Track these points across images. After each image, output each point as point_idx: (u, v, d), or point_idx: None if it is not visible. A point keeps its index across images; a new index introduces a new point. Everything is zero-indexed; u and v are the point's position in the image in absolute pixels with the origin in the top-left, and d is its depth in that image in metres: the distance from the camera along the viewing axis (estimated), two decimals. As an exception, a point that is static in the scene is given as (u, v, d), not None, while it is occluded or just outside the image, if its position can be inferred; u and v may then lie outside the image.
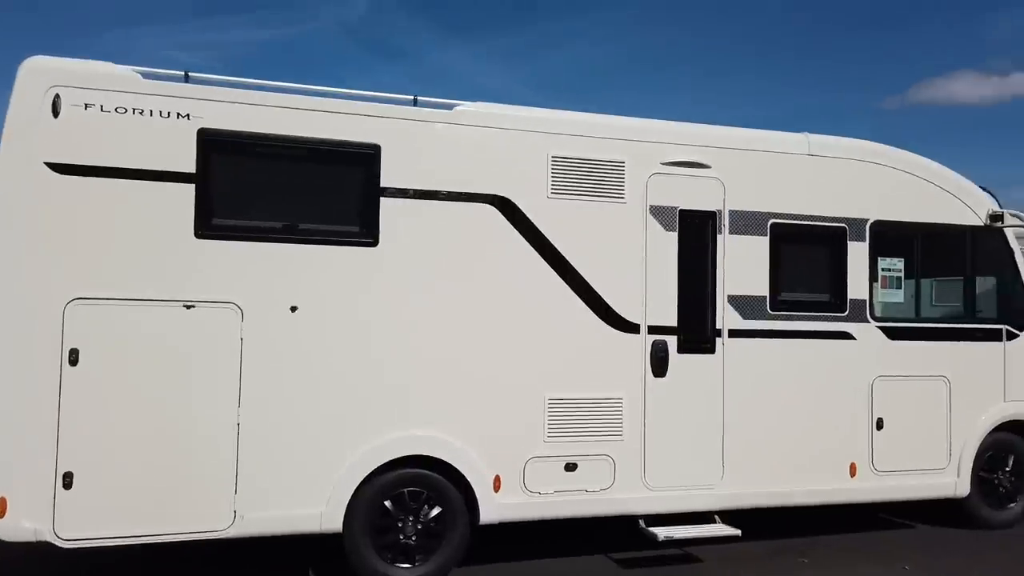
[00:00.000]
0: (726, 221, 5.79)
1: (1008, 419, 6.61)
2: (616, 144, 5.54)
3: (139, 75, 4.54)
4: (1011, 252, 6.76)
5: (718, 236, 5.78)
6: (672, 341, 5.61)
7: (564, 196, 5.39)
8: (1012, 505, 6.75)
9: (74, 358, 4.33)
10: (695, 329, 5.69)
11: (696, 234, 5.73)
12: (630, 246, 5.55)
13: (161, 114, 4.53)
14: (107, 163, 4.44)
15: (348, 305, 4.88)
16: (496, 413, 5.17)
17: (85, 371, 4.35)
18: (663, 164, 5.65)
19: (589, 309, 5.43)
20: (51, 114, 4.34)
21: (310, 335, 4.79)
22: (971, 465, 6.45)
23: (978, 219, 6.59)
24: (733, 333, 5.78)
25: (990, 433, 6.54)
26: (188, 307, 4.56)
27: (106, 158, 4.44)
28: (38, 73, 4.36)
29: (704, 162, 5.75)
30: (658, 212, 5.62)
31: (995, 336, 6.60)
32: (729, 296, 5.78)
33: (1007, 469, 6.71)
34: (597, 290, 5.44)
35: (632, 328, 5.52)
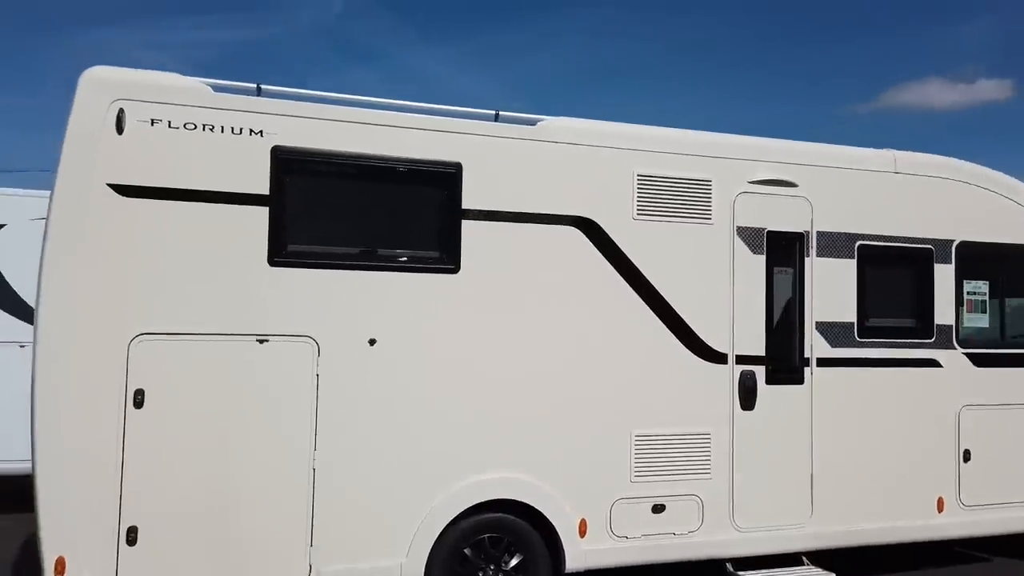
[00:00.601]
0: (814, 243, 5.47)
1: None
2: (702, 162, 5.21)
3: (210, 88, 4.15)
4: None
5: (806, 259, 5.46)
6: (760, 371, 5.28)
7: (650, 217, 5.05)
8: (1092, 537, 6.46)
9: (139, 399, 3.93)
10: (784, 358, 5.36)
11: (784, 257, 5.41)
12: (717, 270, 5.22)
13: (233, 131, 4.14)
14: (175, 184, 4.05)
15: (428, 337, 4.51)
16: (582, 451, 4.81)
17: (151, 414, 3.95)
18: (750, 183, 5.32)
19: (676, 338, 5.08)
20: (115, 131, 3.94)
21: (390, 370, 4.41)
22: None
23: None
24: (821, 362, 5.45)
25: (1073, 463, 6.26)
26: (261, 341, 4.17)
27: (174, 179, 4.05)
28: (101, 85, 3.96)
29: (792, 180, 5.43)
30: (745, 234, 5.29)
31: (1078, 361, 6.31)
32: (817, 323, 5.46)
33: None
34: (684, 318, 5.10)
35: (720, 358, 5.18)
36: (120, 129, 3.94)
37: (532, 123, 4.84)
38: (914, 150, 5.97)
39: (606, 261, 4.94)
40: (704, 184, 5.19)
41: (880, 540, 5.59)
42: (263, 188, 4.20)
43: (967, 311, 6.00)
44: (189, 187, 4.07)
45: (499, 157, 4.70)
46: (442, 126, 4.61)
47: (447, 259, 4.57)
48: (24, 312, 7.24)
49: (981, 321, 6.06)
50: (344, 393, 4.31)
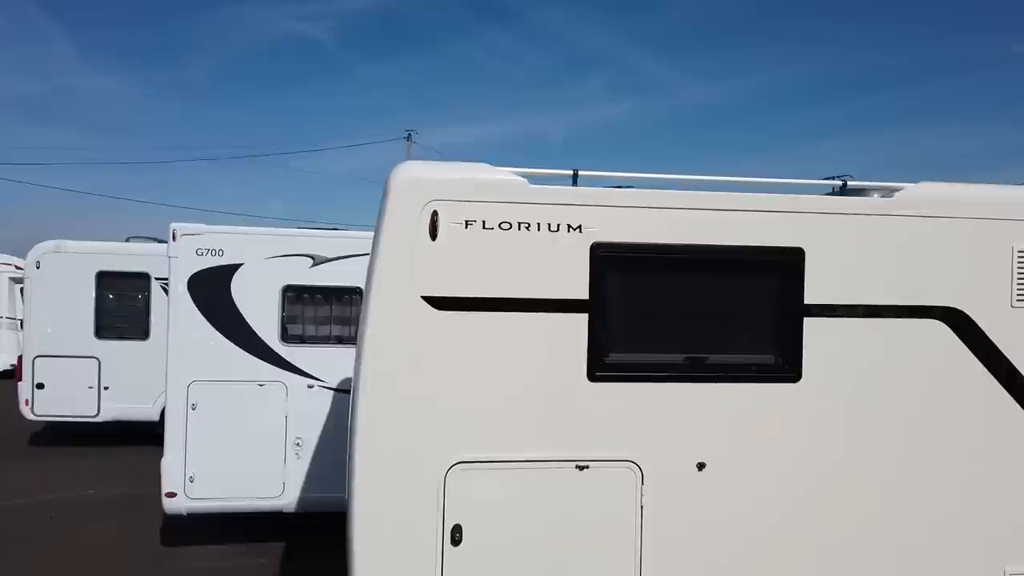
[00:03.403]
0: None
1: None
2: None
3: (527, 181, 3.63)
4: None
5: None
6: None
7: (1032, 303, 4.00)
8: None
9: (457, 536, 3.55)
10: None
11: None
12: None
13: (550, 228, 3.61)
14: (490, 293, 3.59)
15: (762, 460, 3.80)
16: (945, 596, 3.93)
17: (468, 553, 3.56)
18: None
19: (1060, 453, 4.03)
20: (428, 237, 3.53)
21: (720, 500, 3.76)
22: None
23: None
24: None
25: None
26: (580, 468, 3.65)
27: (489, 287, 3.59)
28: (413, 186, 3.55)
29: None
30: None
31: None
32: None
33: None
34: (1071, 427, 4.03)
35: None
36: (434, 234, 3.52)
37: (890, 194, 3.94)
38: None
39: (976, 361, 3.97)
40: (1103, 257, 4.05)
41: None
42: (582, 292, 3.65)
43: None
44: (504, 295, 3.60)
45: (847, 238, 3.86)
46: (779, 205, 3.83)
47: (786, 365, 3.81)
48: (261, 351, 7.19)
49: None
50: (670, 528, 3.71)
